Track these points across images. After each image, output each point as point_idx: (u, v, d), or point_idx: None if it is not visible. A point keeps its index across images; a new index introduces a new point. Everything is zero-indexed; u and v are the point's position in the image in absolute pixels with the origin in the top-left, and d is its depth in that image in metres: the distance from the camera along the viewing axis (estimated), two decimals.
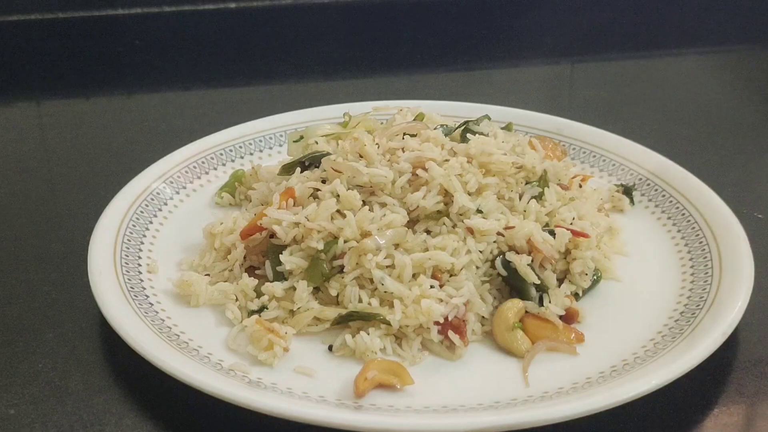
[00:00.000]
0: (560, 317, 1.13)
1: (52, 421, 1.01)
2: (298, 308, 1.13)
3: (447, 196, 1.19)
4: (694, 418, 1.02)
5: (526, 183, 1.25)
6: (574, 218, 1.22)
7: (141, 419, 1.01)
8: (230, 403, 0.96)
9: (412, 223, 1.19)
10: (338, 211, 1.16)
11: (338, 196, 1.17)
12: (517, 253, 1.15)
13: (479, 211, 1.18)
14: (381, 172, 1.18)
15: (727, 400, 1.05)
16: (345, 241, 1.14)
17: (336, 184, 1.17)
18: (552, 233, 1.17)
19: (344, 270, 1.14)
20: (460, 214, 1.18)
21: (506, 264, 1.15)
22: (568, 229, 1.18)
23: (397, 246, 1.15)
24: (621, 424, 1.00)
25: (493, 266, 1.16)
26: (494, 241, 1.16)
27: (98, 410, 1.02)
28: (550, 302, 1.14)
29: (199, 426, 1.01)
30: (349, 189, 1.18)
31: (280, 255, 1.16)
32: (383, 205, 1.18)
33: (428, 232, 1.18)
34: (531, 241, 1.15)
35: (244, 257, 1.22)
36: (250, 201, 1.34)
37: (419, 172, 1.18)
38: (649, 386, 0.97)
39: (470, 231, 1.16)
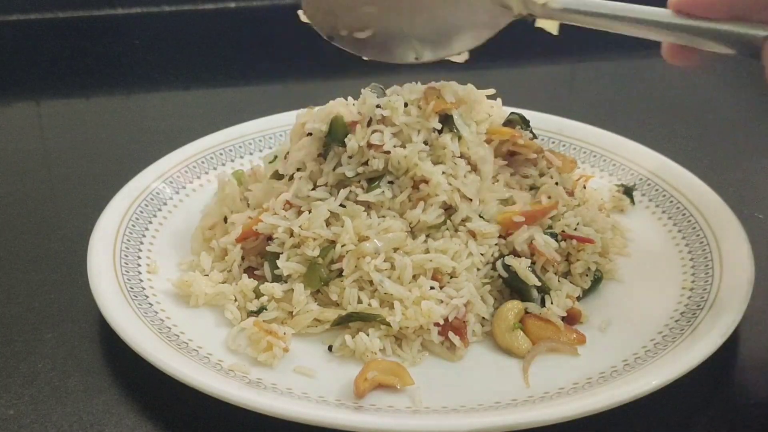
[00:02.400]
0: (563, 318, 1.13)
1: (52, 421, 1.01)
2: (297, 311, 1.13)
3: (449, 206, 1.18)
4: (694, 419, 1.03)
5: (531, 189, 1.24)
6: (578, 223, 1.21)
7: (141, 420, 1.01)
8: (230, 403, 0.96)
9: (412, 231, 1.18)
10: (334, 215, 1.16)
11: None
12: (518, 256, 1.15)
13: (481, 216, 1.18)
14: (380, 191, 1.16)
15: (727, 401, 1.05)
16: (342, 246, 1.13)
17: (330, 202, 1.17)
18: (554, 236, 1.17)
19: (343, 273, 1.14)
20: (463, 220, 1.17)
21: (507, 267, 1.14)
22: (572, 237, 1.18)
23: (396, 249, 1.15)
24: (621, 425, 1.00)
25: (494, 268, 1.16)
26: (495, 244, 1.16)
27: (98, 411, 1.02)
28: (552, 303, 1.14)
29: (199, 426, 1.01)
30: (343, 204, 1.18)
31: (277, 260, 1.16)
32: (382, 216, 1.18)
33: (429, 235, 1.18)
34: (533, 245, 1.15)
35: (242, 258, 1.22)
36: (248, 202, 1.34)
37: (421, 186, 1.16)
38: (650, 386, 0.97)
39: (472, 234, 1.16)
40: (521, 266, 1.13)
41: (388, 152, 1.17)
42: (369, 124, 1.19)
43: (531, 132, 1.29)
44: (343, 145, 1.19)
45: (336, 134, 1.20)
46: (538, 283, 1.14)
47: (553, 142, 1.53)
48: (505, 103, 1.48)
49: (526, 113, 1.58)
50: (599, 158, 1.50)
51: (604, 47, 2.35)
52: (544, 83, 2.12)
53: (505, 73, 2.20)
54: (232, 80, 2.11)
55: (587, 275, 1.20)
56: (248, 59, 2.23)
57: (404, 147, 1.17)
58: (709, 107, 1.94)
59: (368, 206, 1.18)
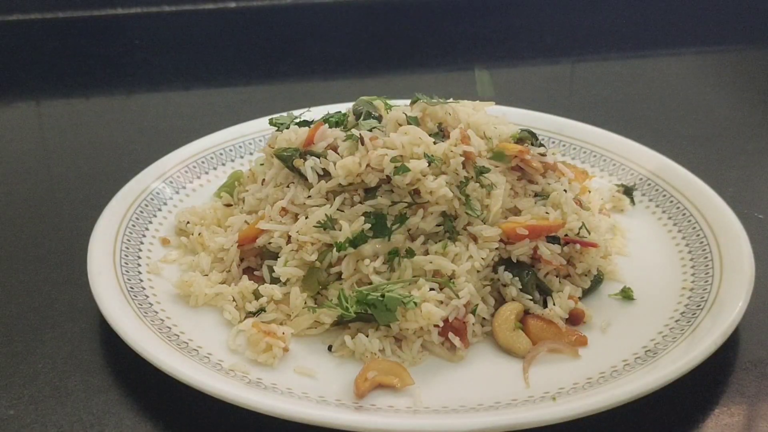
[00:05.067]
0: (566, 319, 1.13)
1: (52, 421, 1.01)
2: (295, 316, 1.13)
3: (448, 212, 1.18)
4: (694, 418, 1.02)
5: (536, 195, 1.24)
6: (581, 227, 1.20)
7: (141, 420, 1.01)
8: (230, 403, 0.96)
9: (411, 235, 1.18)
10: (331, 219, 1.16)
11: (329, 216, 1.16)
12: (518, 263, 1.15)
13: (483, 221, 1.17)
14: (383, 202, 1.15)
15: (727, 401, 1.05)
16: (339, 250, 1.13)
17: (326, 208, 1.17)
18: (557, 239, 1.17)
19: (342, 277, 1.14)
20: (464, 227, 1.17)
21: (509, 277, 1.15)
22: (576, 241, 1.18)
23: (395, 251, 1.14)
24: (621, 425, 1.00)
25: (494, 270, 1.16)
26: (496, 248, 1.16)
27: (98, 410, 1.02)
28: (554, 305, 1.14)
29: (199, 426, 1.01)
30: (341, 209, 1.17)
31: (275, 265, 1.16)
32: None
33: (429, 238, 1.17)
34: (538, 254, 1.15)
35: (241, 259, 1.22)
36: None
37: (423, 194, 1.15)
38: (650, 386, 0.97)
39: (473, 237, 1.15)
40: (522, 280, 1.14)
41: (385, 172, 1.15)
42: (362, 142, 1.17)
43: (541, 145, 1.28)
44: (299, 173, 1.20)
45: (286, 161, 1.21)
46: (539, 296, 1.14)
47: (553, 142, 1.53)
48: (505, 103, 1.49)
49: (527, 113, 1.59)
50: (599, 158, 1.50)
51: (604, 47, 2.36)
52: (544, 83, 2.12)
53: (505, 73, 2.20)
54: (232, 80, 2.11)
55: (587, 275, 1.20)
56: (248, 59, 2.23)
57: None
58: (709, 107, 1.94)
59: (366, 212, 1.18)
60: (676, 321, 1.12)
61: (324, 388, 1.03)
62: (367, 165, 1.14)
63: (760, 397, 1.05)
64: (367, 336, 1.09)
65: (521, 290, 1.14)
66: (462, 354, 1.09)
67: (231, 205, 1.36)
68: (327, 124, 1.25)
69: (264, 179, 1.28)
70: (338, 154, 1.18)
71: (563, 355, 1.09)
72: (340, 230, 1.13)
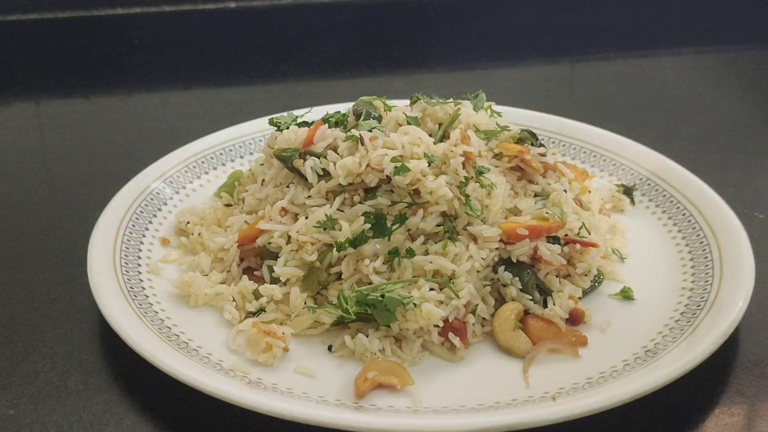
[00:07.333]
0: (566, 320, 1.13)
1: (52, 421, 1.01)
2: (296, 316, 1.13)
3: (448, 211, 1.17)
4: (694, 419, 1.02)
5: (536, 195, 1.24)
6: (581, 227, 1.20)
7: (141, 419, 1.01)
8: (230, 403, 0.96)
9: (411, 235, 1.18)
10: (331, 219, 1.16)
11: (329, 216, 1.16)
12: (518, 263, 1.15)
13: (483, 221, 1.17)
14: (383, 202, 1.15)
15: (727, 401, 1.05)
16: (339, 250, 1.13)
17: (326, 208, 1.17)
18: (557, 240, 1.17)
19: (342, 277, 1.14)
20: (465, 227, 1.17)
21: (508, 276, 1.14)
22: (576, 241, 1.18)
23: (395, 251, 1.14)
24: (621, 424, 1.00)
25: (494, 270, 1.16)
26: (496, 248, 1.16)
27: (98, 410, 1.02)
28: (554, 305, 1.14)
29: (199, 426, 1.01)
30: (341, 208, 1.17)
31: (275, 266, 1.16)
32: None
33: (429, 238, 1.17)
34: (538, 254, 1.15)
35: (241, 259, 1.22)
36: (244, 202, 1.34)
37: (423, 194, 1.15)
38: (650, 386, 0.97)
39: (473, 238, 1.15)
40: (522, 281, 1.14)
41: (385, 172, 1.14)
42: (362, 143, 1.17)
43: (541, 145, 1.28)
44: (299, 173, 1.20)
45: (286, 161, 1.21)
46: (540, 296, 1.14)
47: (553, 142, 1.53)
48: (504, 103, 1.49)
49: (526, 113, 1.59)
50: (599, 158, 1.50)
51: (603, 47, 2.36)
52: (544, 83, 2.12)
53: (505, 73, 2.20)
54: (232, 80, 2.11)
55: (587, 275, 1.20)
56: (248, 59, 2.23)
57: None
58: (709, 107, 1.94)
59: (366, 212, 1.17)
60: (676, 321, 1.12)
61: (324, 388, 1.03)
62: (367, 165, 1.14)
63: (760, 397, 1.05)
64: (367, 336, 1.09)
65: (521, 290, 1.14)
66: (462, 354, 1.09)
67: (231, 205, 1.36)
68: (327, 124, 1.25)
69: (264, 179, 1.28)
70: (338, 154, 1.18)
71: (563, 355, 1.09)
72: (340, 230, 1.13)
